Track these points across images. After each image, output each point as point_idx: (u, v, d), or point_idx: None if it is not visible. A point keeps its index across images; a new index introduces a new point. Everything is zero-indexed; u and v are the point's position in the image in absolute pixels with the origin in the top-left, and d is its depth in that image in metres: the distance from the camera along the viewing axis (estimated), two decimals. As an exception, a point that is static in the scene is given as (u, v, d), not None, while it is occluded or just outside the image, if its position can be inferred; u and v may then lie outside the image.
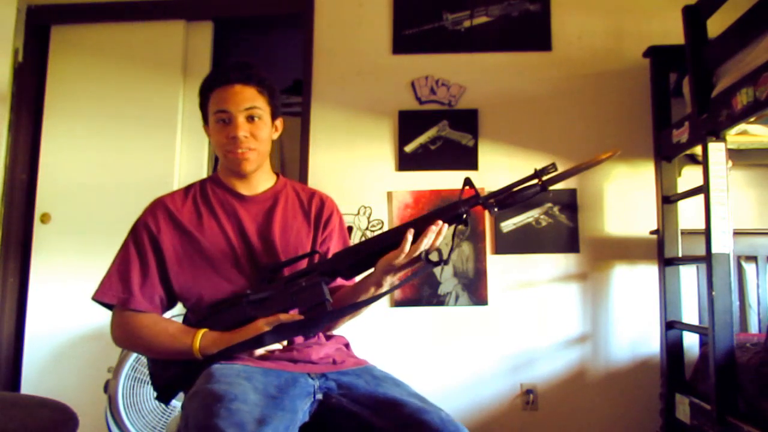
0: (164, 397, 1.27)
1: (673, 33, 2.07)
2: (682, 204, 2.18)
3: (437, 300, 2.40)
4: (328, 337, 1.36)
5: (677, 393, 2.04)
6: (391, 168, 2.49)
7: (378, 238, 1.22)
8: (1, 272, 2.64)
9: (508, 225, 2.42)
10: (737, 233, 1.91)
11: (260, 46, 3.44)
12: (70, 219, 2.64)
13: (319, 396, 1.16)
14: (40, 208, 2.66)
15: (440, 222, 1.14)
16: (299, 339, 1.27)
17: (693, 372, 2.12)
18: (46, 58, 2.75)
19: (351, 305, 1.24)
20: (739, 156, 2.10)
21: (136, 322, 1.24)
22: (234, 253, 1.29)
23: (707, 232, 1.77)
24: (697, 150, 1.95)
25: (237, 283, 1.28)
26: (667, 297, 2.16)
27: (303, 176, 2.51)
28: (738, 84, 1.64)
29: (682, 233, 2.18)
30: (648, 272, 2.35)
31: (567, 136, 2.45)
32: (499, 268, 2.41)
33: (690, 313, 2.23)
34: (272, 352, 1.23)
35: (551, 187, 1.17)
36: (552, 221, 2.41)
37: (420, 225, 1.15)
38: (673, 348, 2.13)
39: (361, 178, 2.49)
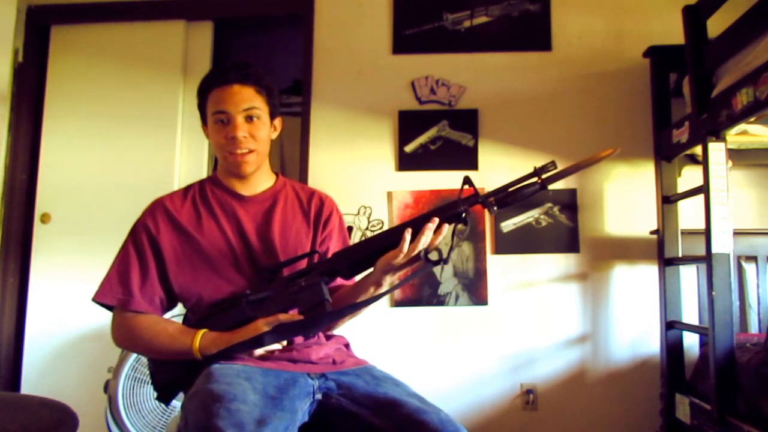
0: (164, 397, 1.27)
1: (673, 33, 2.06)
2: (682, 204, 2.18)
3: (437, 300, 2.40)
4: (328, 337, 1.36)
5: (677, 393, 2.04)
6: (391, 168, 2.49)
7: (377, 238, 1.22)
8: (1, 272, 2.65)
9: (508, 225, 2.42)
10: (737, 233, 1.90)
11: (260, 46, 3.44)
12: (70, 219, 2.64)
13: (319, 396, 1.16)
14: (40, 208, 2.66)
15: (436, 219, 1.14)
16: (299, 339, 1.27)
17: (693, 372, 2.12)
18: (46, 58, 2.75)
19: (351, 305, 1.23)
20: (739, 156, 2.10)
21: (136, 323, 1.25)
22: (233, 253, 1.29)
23: (707, 232, 1.77)
24: (697, 150, 1.95)
25: (236, 284, 1.28)
26: (667, 297, 2.16)
27: (303, 176, 2.51)
28: (738, 84, 1.64)
29: (682, 233, 2.18)
30: (648, 272, 2.35)
31: (567, 136, 2.45)
32: (499, 268, 2.41)
33: (690, 313, 2.22)
34: (272, 352, 1.23)
35: (551, 186, 1.16)
36: (552, 221, 2.41)
37: (419, 224, 1.15)
38: (673, 348, 2.13)
39: (361, 178, 2.49)
